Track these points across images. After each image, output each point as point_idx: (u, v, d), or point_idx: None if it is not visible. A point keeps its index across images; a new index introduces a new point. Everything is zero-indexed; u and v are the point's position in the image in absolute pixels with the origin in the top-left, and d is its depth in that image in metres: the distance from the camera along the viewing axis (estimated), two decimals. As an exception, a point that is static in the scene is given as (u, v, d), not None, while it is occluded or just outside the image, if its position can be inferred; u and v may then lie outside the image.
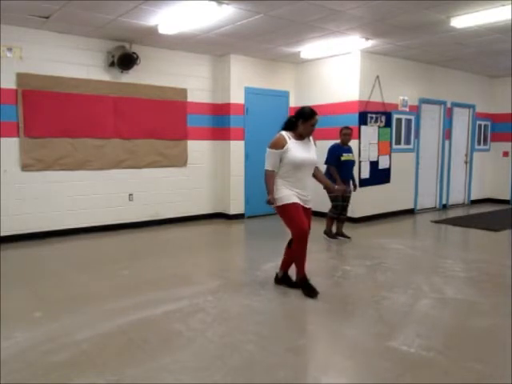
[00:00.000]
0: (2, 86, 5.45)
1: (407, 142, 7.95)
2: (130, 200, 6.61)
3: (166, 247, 5.64)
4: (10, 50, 5.47)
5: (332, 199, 5.75)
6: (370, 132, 7.18)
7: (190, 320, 3.20)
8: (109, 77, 6.26)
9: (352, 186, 5.88)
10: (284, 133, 3.68)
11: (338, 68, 7.28)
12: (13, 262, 4.84)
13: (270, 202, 3.62)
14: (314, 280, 4.21)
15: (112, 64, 6.13)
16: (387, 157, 7.54)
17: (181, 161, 7.09)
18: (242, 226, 7.10)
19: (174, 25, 5.31)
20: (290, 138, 3.64)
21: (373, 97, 7.17)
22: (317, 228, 5.96)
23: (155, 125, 6.71)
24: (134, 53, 6.21)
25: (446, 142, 8.75)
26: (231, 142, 7.31)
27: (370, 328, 3.11)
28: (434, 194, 8.76)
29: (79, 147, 6.07)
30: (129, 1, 4.58)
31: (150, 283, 4.06)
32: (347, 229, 6.10)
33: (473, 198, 9.57)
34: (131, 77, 6.42)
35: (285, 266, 3.99)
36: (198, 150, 7.29)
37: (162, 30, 5.50)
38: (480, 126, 9.48)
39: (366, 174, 7.16)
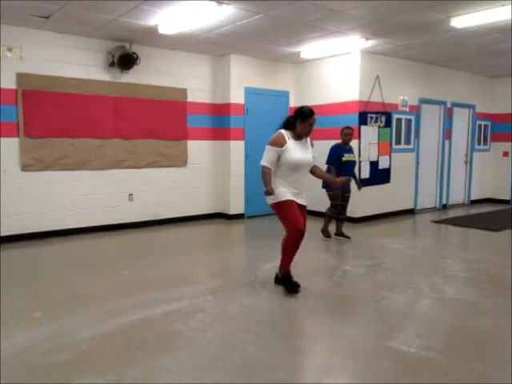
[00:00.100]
0: (2, 86, 5.45)
1: (407, 142, 7.95)
2: (129, 200, 6.62)
3: (166, 247, 5.64)
4: (10, 49, 5.47)
5: (331, 198, 5.75)
6: (370, 132, 7.18)
7: (189, 320, 3.20)
8: (109, 77, 6.26)
9: (356, 186, 5.88)
10: (283, 132, 3.67)
11: (337, 68, 7.28)
12: (13, 262, 4.84)
13: (268, 193, 3.54)
14: (314, 280, 4.22)
15: (112, 64, 6.13)
16: (387, 157, 7.54)
17: (181, 161, 7.09)
18: (242, 226, 7.10)
19: (174, 25, 5.31)
20: (289, 138, 3.64)
21: (373, 97, 7.17)
22: (317, 227, 5.97)
23: (155, 125, 6.72)
24: (134, 53, 6.21)
25: (446, 142, 8.75)
26: (231, 141, 7.31)
27: (370, 328, 3.11)
28: (434, 194, 8.76)
29: (79, 147, 6.07)
30: (129, 1, 4.58)
31: (150, 283, 4.06)
32: (347, 229, 6.10)
33: (473, 198, 9.57)
34: (131, 77, 6.42)
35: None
36: (198, 150, 7.29)
37: (161, 30, 5.50)
38: (480, 125, 9.48)
39: (366, 173, 7.16)
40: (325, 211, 5.90)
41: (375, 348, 2.79)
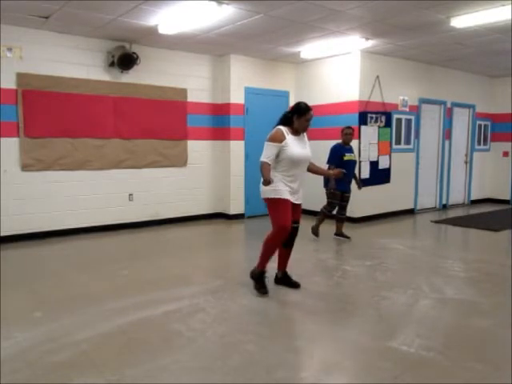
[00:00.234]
0: (2, 86, 5.45)
1: (407, 141, 7.96)
2: (130, 200, 6.62)
3: (166, 247, 5.64)
4: (10, 50, 5.47)
5: (329, 197, 5.74)
6: (370, 132, 7.18)
7: (190, 320, 3.20)
8: (109, 77, 6.26)
9: (356, 185, 5.88)
10: (282, 127, 3.67)
11: (338, 68, 7.28)
12: (13, 262, 4.84)
13: (267, 182, 3.50)
14: (314, 280, 4.23)
15: (112, 64, 6.13)
16: (387, 157, 7.54)
17: (181, 161, 7.10)
18: (242, 226, 7.10)
19: (173, 25, 5.31)
20: (288, 134, 3.64)
21: (373, 97, 7.18)
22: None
23: (155, 125, 6.71)
24: (134, 53, 6.21)
25: (446, 142, 8.75)
26: (231, 141, 7.31)
27: (370, 328, 3.12)
28: (434, 194, 8.76)
29: (79, 147, 6.07)
30: (129, 1, 4.58)
31: (150, 283, 4.06)
32: (347, 229, 6.10)
33: (473, 198, 9.57)
34: (131, 77, 6.42)
35: (282, 265, 4.00)
36: (198, 150, 7.29)
37: (162, 30, 5.50)
38: (480, 125, 9.48)
39: (366, 173, 7.16)
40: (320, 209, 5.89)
41: (375, 348, 2.79)
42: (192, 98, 7.12)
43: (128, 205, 6.61)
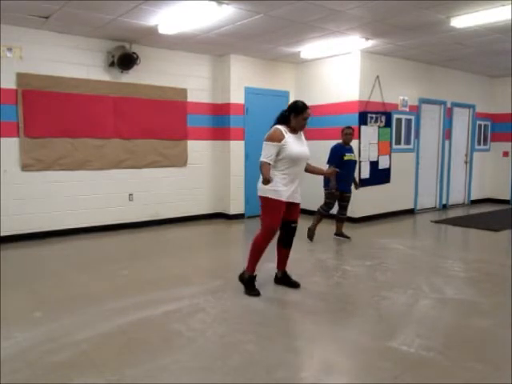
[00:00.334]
0: (2, 86, 5.45)
1: (407, 141, 7.95)
2: (130, 200, 6.62)
3: (166, 247, 5.64)
4: (10, 50, 5.47)
5: (327, 197, 5.73)
6: (370, 132, 7.18)
7: (190, 320, 3.20)
8: (109, 77, 6.26)
9: (353, 185, 5.87)
10: (280, 127, 3.65)
11: (337, 68, 7.28)
12: (13, 262, 4.84)
13: (267, 181, 3.49)
14: (314, 280, 4.22)
15: (112, 64, 6.13)
16: (387, 157, 7.54)
17: (181, 161, 7.10)
18: (242, 226, 7.10)
19: (173, 25, 5.31)
20: (286, 132, 3.63)
21: (373, 97, 7.17)
22: (318, 228, 5.95)
23: (155, 125, 6.71)
24: (134, 53, 6.20)
25: (446, 142, 8.75)
26: (231, 141, 7.31)
27: (370, 328, 3.12)
28: (434, 194, 8.76)
29: (79, 147, 6.07)
30: (129, 1, 4.58)
31: (150, 283, 4.06)
32: (347, 229, 6.10)
33: (473, 198, 9.57)
34: (131, 77, 6.42)
35: (281, 265, 4.00)
36: (198, 150, 7.29)
37: (162, 30, 5.50)
38: (480, 125, 9.48)
39: (366, 173, 7.16)
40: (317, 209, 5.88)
41: (375, 348, 2.80)
42: (192, 97, 7.12)
43: (128, 205, 6.61)
